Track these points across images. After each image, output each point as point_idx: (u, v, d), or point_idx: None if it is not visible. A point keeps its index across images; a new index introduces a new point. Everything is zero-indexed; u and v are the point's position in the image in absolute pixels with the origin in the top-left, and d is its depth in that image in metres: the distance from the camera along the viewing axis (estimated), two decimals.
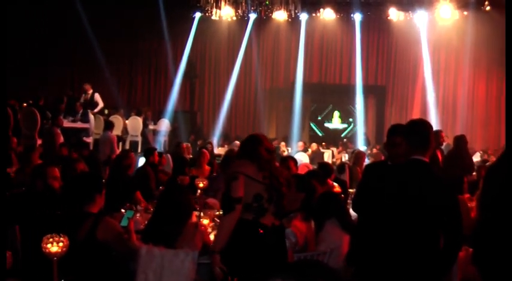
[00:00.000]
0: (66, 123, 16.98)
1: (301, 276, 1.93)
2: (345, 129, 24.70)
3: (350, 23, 23.64)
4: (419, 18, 22.59)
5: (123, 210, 7.10)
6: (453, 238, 4.53)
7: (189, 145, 17.41)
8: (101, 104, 19.18)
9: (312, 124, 25.03)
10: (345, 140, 23.16)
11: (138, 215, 6.91)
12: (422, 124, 4.88)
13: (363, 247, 5.01)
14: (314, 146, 21.14)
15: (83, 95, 19.07)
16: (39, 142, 15.66)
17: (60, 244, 3.96)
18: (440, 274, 4.63)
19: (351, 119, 24.65)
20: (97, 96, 19.07)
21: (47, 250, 3.95)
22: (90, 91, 18.99)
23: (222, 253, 4.96)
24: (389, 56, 24.37)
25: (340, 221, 6.39)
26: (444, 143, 12.58)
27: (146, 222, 6.45)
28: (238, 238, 4.97)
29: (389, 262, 4.61)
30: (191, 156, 15.10)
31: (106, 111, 20.99)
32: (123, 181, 8.83)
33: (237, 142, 20.23)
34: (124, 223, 6.26)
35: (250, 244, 5.02)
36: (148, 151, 11.05)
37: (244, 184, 5.00)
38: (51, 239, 3.95)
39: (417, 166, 4.67)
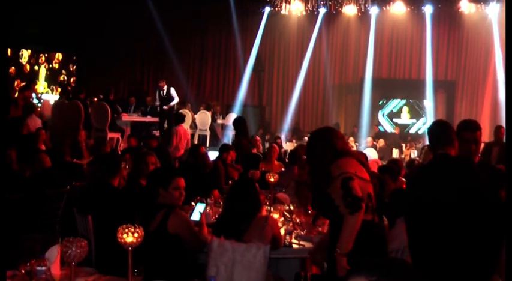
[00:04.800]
0: (136, 118, 17.28)
1: (386, 275, 1.87)
2: (414, 125, 24.31)
3: (420, 17, 23.29)
4: (492, 10, 22.07)
5: (193, 203, 7.13)
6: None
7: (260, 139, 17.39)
8: (176, 99, 18.93)
9: (382, 119, 24.73)
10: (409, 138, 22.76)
11: (208, 208, 6.94)
12: (440, 121, 5.15)
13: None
14: (382, 141, 20.94)
15: (157, 91, 19.03)
16: (109, 135, 15.97)
17: (136, 235, 3.99)
18: None
19: (422, 115, 24.20)
20: (173, 91, 18.93)
21: (122, 240, 3.99)
22: (165, 87, 18.84)
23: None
24: (459, 50, 23.77)
25: None
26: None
27: (217, 215, 6.48)
28: (363, 239, 4.71)
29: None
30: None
31: (175, 106, 21.21)
32: (199, 177, 8.84)
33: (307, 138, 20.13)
34: (196, 217, 6.31)
35: (374, 243, 4.85)
36: (224, 148, 10.76)
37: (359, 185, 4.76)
38: (126, 230, 3.99)
39: (443, 161, 4.69)
